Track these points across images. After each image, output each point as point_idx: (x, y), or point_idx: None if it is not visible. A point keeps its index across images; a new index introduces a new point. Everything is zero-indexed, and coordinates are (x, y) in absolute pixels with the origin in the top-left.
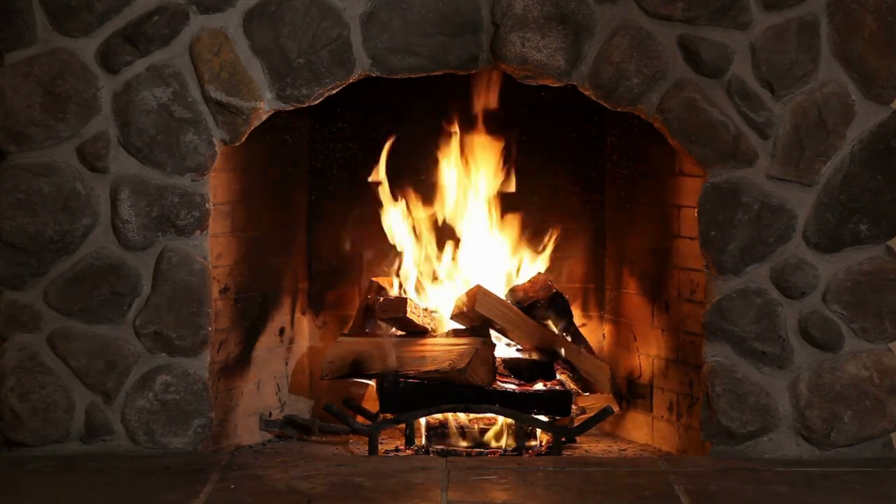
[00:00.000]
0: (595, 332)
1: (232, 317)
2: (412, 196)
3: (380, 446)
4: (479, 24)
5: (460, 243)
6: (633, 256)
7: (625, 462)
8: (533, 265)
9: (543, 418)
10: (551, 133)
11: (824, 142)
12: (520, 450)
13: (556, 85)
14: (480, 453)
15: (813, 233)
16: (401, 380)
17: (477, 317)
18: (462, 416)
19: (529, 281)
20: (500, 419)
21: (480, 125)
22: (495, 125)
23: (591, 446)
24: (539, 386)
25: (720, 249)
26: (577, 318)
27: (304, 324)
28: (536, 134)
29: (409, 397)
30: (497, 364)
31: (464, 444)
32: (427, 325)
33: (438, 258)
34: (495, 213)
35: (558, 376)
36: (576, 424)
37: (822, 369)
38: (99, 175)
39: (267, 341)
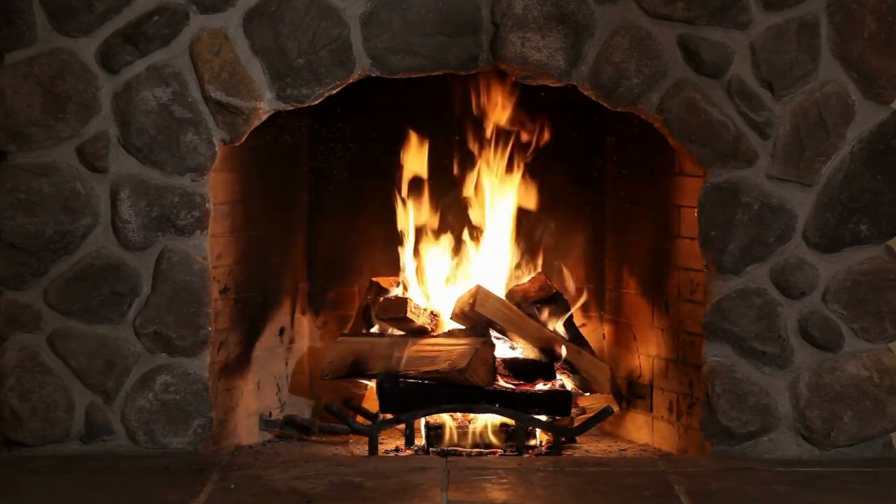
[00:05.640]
0: (595, 332)
1: (232, 317)
2: (412, 196)
3: (380, 446)
4: (479, 24)
5: (460, 243)
6: (633, 256)
7: (625, 462)
8: (533, 265)
9: (543, 418)
10: (551, 133)
11: (824, 142)
12: (520, 450)
13: (556, 85)
14: (480, 453)
15: (813, 233)
16: (401, 380)
17: (477, 317)
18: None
19: (529, 281)
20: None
21: (481, 125)
22: (496, 125)
23: (591, 446)
24: (539, 386)
25: (720, 249)
26: (577, 318)
27: (304, 324)
28: (536, 134)
29: (409, 397)
30: (497, 364)
31: (464, 444)
32: (427, 325)
33: (438, 258)
34: (495, 214)
35: (558, 376)
36: (576, 424)
37: (822, 369)
38: (99, 175)
39: (267, 341)
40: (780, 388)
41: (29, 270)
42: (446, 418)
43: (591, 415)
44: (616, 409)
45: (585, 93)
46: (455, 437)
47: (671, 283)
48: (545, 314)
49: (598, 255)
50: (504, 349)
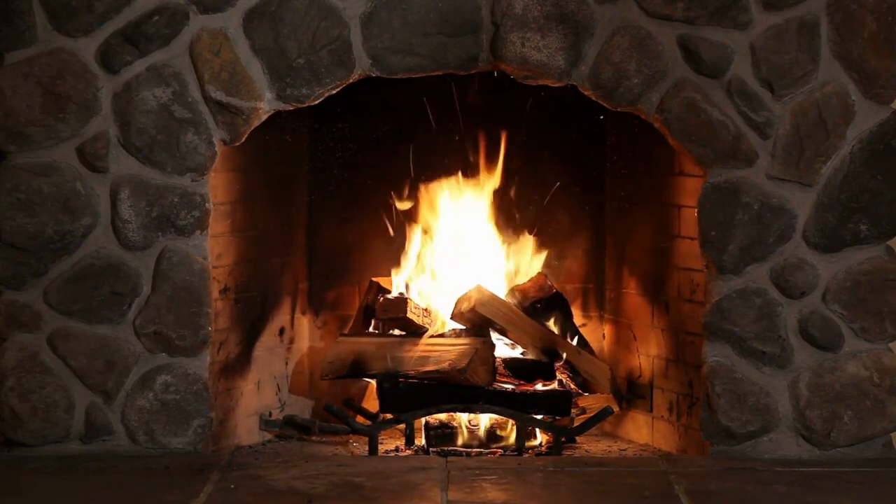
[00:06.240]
0: (595, 332)
1: (232, 317)
2: (412, 196)
3: (380, 446)
4: (479, 24)
5: (460, 243)
6: (633, 256)
7: (625, 462)
8: (533, 265)
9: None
10: (551, 133)
11: (824, 142)
12: (520, 450)
13: (556, 85)
14: (480, 453)
15: (813, 233)
16: (401, 380)
17: (477, 317)
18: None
19: (529, 281)
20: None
21: (480, 125)
22: (496, 125)
23: (591, 446)
24: (539, 386)
25: (720, 249)
26: (577, 318)
27: (304, 324)
28: (536, 134)
29: (409, 397)
30: (497, 364)
31: (465, 444)
32: (427, 326)
33: (438, 258)
34: (495, 214)
35: (558, 376)
36: (576, 424)
37: (822, 369)
38: (99, 175)
39: (267, 341)
40: (780, 388)
41: (29, 270)
42: (462, 418)
43: (591, 415)
44: (616, 409)
45: (585, 93)
46: (464, 437)
47: (671, 283)
48: (545, 314)
49: (598, 255)
50: (504, 349)
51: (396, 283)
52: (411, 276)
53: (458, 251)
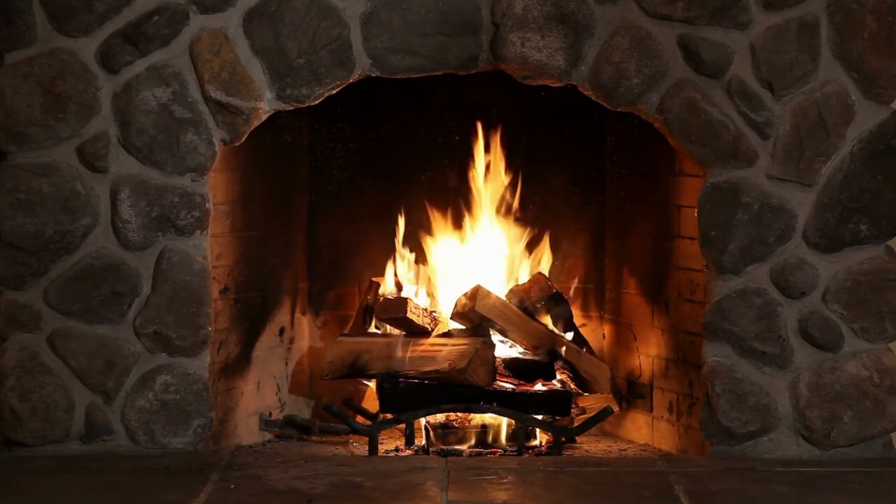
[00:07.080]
0: (595, 332)
1: (232, 317)
2: (412, 196)
3: (380, 446)
4: (479, 24)
5: (460, 243)
6: (633, 256)
7: (625, 462)
8: (533, 265)
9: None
10: (551, 133)
11: (824, 142)
12: (520, 450)
13: (556, 85)
14: (480, 453)
15: (813, 233)
16: (401, 380)
17: (477, 317)
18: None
19: (529, 281)
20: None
21: (480, 125)
22: (496, 125)
23: (591, 446)
24: (539, 386)
25: (720, 249)
26: (577, 318)
27: (304, 324)
28: (537, 134)
29: (409, 397)
30: (497, 364)
31: (465, 444)
32: (427, 325)
33: (438, 258)
34: (495, 213)
35: (558, 376)
36: (576, 424)
37: (822, 369)
38: (99, 175)
39: (267, 341)
40: (780, 388)
41: (29, 270)
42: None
43: (591, 415)
44: (616, 409)
45: (585, 93)
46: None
47: (671, 283)
48: (545, 314)
49: (598, 255)
50: (504, 349)
51: (392, 283)
52: (410, 276)
53: (458, 251)
